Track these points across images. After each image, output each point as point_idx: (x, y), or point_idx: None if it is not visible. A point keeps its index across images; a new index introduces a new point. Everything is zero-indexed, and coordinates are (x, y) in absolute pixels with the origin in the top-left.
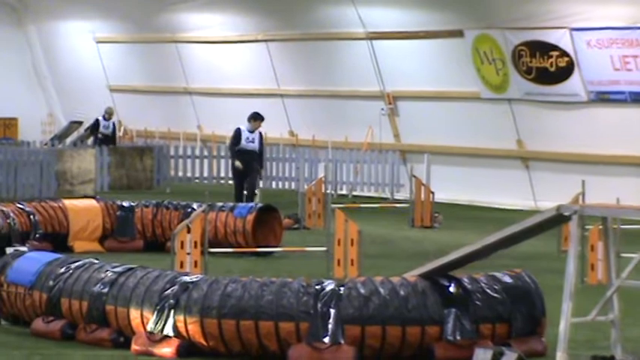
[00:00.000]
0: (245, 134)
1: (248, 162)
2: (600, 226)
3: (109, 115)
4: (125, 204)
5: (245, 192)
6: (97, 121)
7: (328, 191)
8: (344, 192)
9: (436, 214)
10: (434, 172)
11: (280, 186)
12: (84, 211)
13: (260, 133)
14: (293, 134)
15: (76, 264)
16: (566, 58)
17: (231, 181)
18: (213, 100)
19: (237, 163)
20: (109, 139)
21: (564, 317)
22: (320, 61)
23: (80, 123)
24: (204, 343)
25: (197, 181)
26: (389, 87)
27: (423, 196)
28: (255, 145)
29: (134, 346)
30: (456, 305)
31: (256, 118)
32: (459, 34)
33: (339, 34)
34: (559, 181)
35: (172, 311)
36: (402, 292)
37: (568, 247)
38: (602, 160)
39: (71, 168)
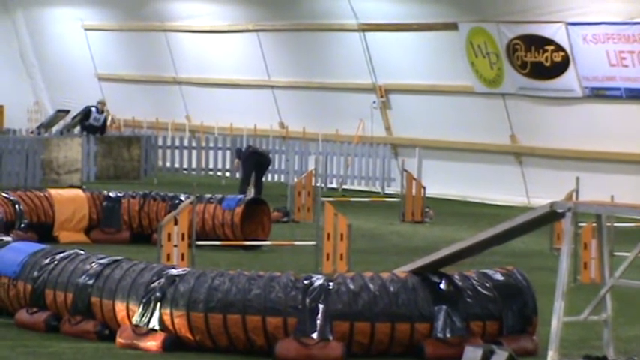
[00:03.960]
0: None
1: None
2: (594, 224)
3: (101, 105)
4: (112, 194)
5: (254, 187)
6: (88, 110)
7: (318, 185)
8: (334, 186)
9: (427, 210)
10: (425, 167)
11: (269, 179)
12: (70, 201)
13: None
14: (283, 126)
15: (61, 255)
16: (561, 53)
17: (220, 173)
18: (203, 91)
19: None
20: (96, 131)
21: (556, 316)
22: (311, 52)
23: (67, 112)
24: (190, 336)
25: (185, 172)
26: (381, 80)
27: (414, 190)
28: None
29: (119, 339)
30: (447, 302)
31: None
32: (453, 27)
33: (331, 25)
34: (552, 177)
35: (158, 304)
36: (391, 288)
37: (561, 245)
38: (597, 156)
39: (57, 157)
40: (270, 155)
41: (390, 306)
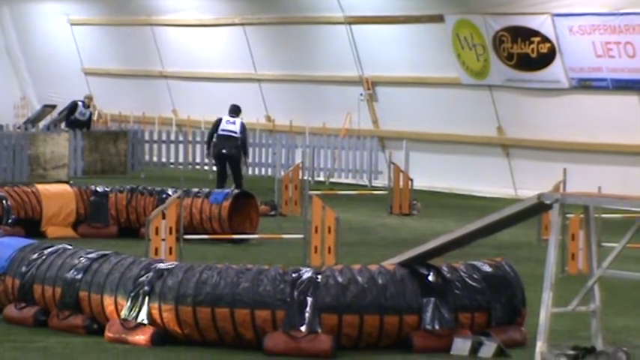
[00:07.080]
0: (225, 118)
1: (229, 147)
2: (581, 215)
3: (88, 100)
4: (99, 189)
5: (234, 180)
6: (75, 104)
7: (305, 178)
8: (321, 179)
9: (415, 202)
10: (413, 159)
11: (257, 172)
12: (57, 196)
13: (242, 122)
14: (270, 119)
15: (49, 250)
16: (547, 44)
17: (206, 167)
18: (189, 84)
19: (211, 159)
20: (82, 125)
21: (544, 307)
22: (298, 45)
23: (54, 107)
24: (178, 330)
25: (172, 166)
26: (368, 72)
27: (401, 183)
28: (236, 128)
29: (108, 334)
30: (435, 294)
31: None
32: (439, 19)
33: (318, 18)
34: (540, 169)
35: (147, 298)
36: (380, 281)
37: (548, 236)
38: (584, 148)
39: (44, 152)
40: (237, 144)
41: (379, 298)
